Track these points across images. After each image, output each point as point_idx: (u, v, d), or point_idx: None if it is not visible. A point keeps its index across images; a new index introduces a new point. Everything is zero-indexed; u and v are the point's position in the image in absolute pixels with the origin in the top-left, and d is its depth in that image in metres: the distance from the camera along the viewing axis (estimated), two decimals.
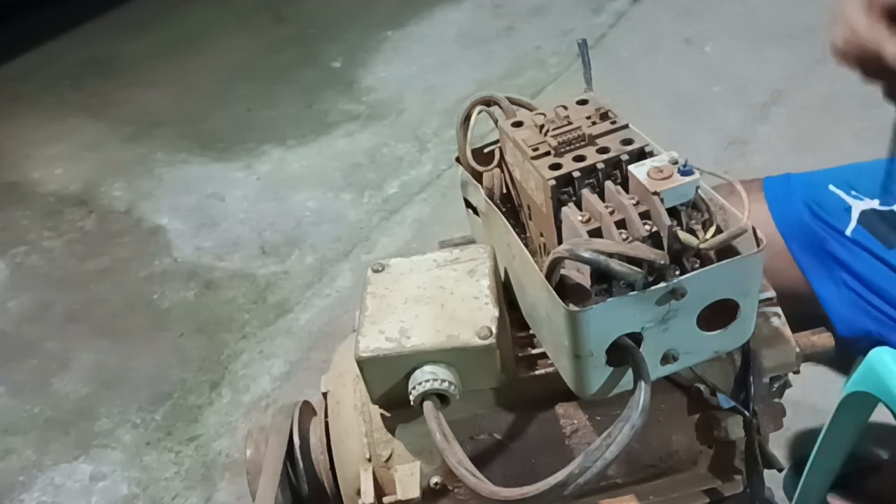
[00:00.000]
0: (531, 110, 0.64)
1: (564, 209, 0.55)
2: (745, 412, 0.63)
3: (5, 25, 2.88)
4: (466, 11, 2.74)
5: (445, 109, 2.26)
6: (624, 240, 0.51)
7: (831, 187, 0.92)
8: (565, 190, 0.55)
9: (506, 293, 0.64)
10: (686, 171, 0.51)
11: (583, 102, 0.61)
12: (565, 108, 0.61)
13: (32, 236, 2.03)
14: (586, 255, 0.49)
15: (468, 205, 0.70)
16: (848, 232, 0.88)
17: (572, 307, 0.50)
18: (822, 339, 0.69)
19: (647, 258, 0.49)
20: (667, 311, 0.52)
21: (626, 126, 0.58)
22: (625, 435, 0.51)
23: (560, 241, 0.56)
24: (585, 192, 0.54)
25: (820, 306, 0.88)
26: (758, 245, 0.52)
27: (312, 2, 2.93)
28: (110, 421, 1.55)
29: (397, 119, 2.28)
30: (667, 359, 0.55)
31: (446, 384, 0.56)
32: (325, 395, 0.69)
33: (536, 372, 0.62)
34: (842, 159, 0.96)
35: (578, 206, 0.55)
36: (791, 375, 0.67)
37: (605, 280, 0.51)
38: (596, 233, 0.53)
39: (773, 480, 0.74)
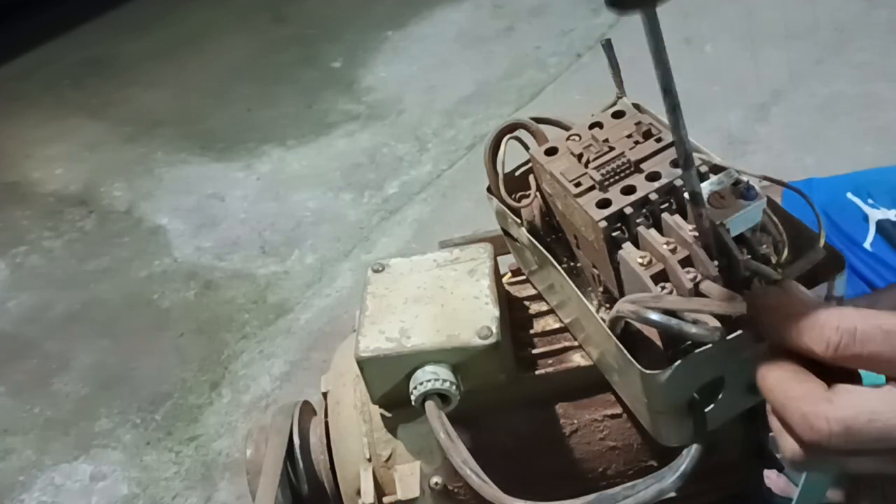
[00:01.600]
0: (559, 126, 0.59)
1: (621, 253, 0.50)
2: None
3: (5, 25, 2.89)
4: (466, 11, 2.74)
5: (445, 109, 2.26)
6: (692, 279, 0.46)
7: (849, 195, 0.89)
8: (618, 227, 0.50)
9: (505, 292, 0.64)
10: (750, 194, 0.46)
11: (619, 115, 0.55)
12: (600, 126, 0.55)
13: (32, 236, 2.03)
14: (655, 317, 0.44)
15: (506, 234, 0.65)
16: (867, 244, 0.85)
17: (648, 371, 0.46)
18: None
19: (725, 313, 0.44)
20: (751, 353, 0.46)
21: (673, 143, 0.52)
22: (648, 494, 0.49)
23: (619, 283, 0.51)
24: (641, 229, 0.49)
25: None
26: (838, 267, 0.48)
27: (312, 2, 2.93)
28: (110, 421, 1.55)
29: (397, 119, 2.28)
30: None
31: (447, 384, 0.55)
32: (325, 395, 0.69)
33: (536, 372, 0.62)
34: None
35: (635, 243, 0.50)
36: None
37: (678, 341, 0.47)
38: (660, 276, 0.48)
39: None
